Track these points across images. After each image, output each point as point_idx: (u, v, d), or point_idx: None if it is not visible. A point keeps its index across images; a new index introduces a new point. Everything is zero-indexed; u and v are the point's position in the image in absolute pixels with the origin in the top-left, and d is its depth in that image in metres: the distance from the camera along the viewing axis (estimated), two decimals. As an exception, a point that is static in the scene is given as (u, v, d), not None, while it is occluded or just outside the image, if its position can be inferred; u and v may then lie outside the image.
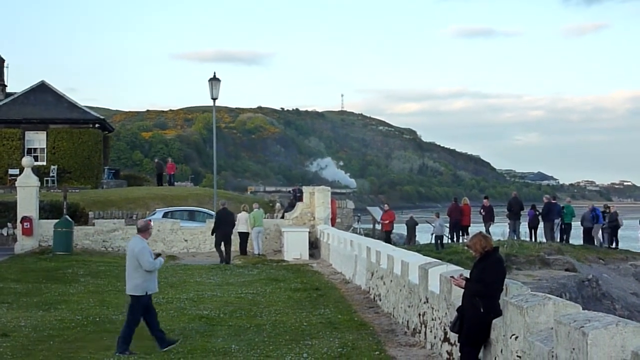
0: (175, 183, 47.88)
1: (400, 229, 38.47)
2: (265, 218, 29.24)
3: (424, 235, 36.35)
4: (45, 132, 42.25)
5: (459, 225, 30.54)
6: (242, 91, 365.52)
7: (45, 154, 42.10)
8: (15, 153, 41.16)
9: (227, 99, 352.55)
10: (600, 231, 31.97)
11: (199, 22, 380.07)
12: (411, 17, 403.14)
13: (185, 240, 28.27)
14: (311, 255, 26.61)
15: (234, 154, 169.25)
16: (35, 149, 42.10)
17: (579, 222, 32.59)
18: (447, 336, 9.80)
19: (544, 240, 30.20)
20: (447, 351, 9.86)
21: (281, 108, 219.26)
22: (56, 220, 25.65)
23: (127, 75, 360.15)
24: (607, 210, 32.86)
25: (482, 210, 30.73)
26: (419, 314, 11.62)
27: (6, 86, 46.99)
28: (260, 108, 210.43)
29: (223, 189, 52.63)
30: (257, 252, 26.54)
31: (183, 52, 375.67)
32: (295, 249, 26.14)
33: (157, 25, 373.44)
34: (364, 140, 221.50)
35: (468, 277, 8.46)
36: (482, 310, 7.99)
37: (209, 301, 15.99)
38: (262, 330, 12.71)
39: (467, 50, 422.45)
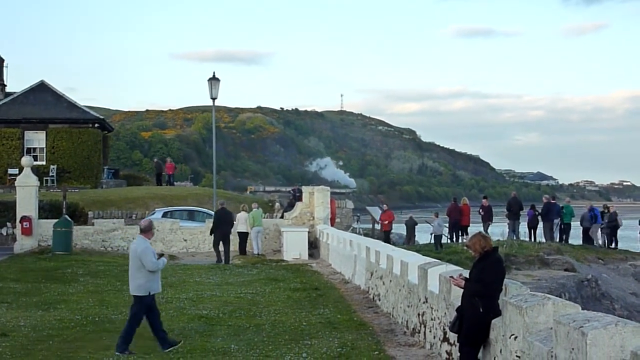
0: (175, 183, 47.88)
1: (399, 229, 38.49)
2: (264, 218, 29.25)
3: (423, 235, 36.36)
4: (44, 132, 42.24)
5: (458, 225, 30.55)
6: (241, 91, 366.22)
7: (44, 154, 42.09)
8: (15, 153, 41.15)
9: (227, 98, 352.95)
10: (599, 231, 32.00)
11: (199, 22, 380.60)
12: (411, 17, 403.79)
13: (185, 240, 28.28)
14: (310, 255, 26.61)
15: (233, 154, 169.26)
16: (34, 149, 42.08)
17: (579, 222, 32.62)
18: (447, 336, 9.81)
19: (544, 240, 30.22)
20: (446, 351, 9.87)
21: (281, 108, 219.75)
22: (55, 220, 25.63)
23: (127, 75, 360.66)
24: (607, 211, 32.88)
25: (480, 210, 30.75)
26: (419, 314, 11.63)
27: (6, 86, 47.02)
28: (259, 108, 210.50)
29: (222, 189, 52.63)
30: (256, 252, 26.54)
31: (183, 52, 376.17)
32: (294, 248, 26.14)
33: (156, 25, 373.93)
34: (363, 140, 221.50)
35: (467, 277, 8.45)
36: (481, 310, 7.99)
37: (208, 301, 15.99)
38: (261, 330, 12.71)
39: (467, 50, 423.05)
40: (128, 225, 27.92)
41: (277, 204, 36.43)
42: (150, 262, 10.75)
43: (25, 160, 27.51)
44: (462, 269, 10.37)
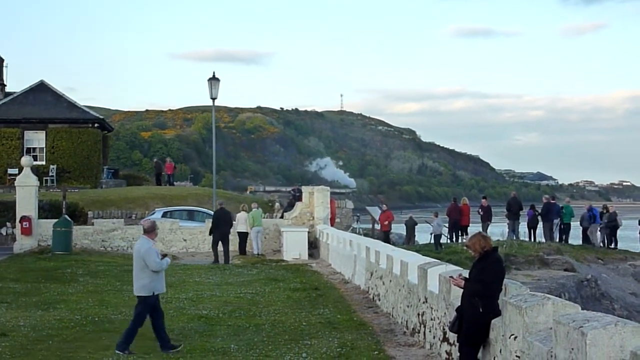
0: (175, 183, 47.86)
1: (399, 229, 38.49)
2: (264, 218, 29.25)
3: (423, 235, 36.35)
4: (44, 132, 42.24)
5: (458, 225, 30.56)
6: (241, 91, 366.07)
7: (44, 154, 42.09)
8: (15, 152, 41.15)
9: (227, 98, 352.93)
10: (597, 231, 31.99)
11: (199, 21, 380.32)
12: (411, 17, 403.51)
13: (185, 240, 28.29)
14: (310, 255, 26.60)
15: (233, 154, 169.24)
16: (34, 149, 42.08)
17: (578, 222, 32.62)
18: (446, 336, 9.81)
19: (543, 240, 30.23)
20: (446, 351, 9.87)
21: (280, 108, 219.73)
22: (55, 220, 25.63)
23: (127, 75, 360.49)
24: (606, 211, 32.87)
25: (480, 210, 30.75)
26: (418, 314, 11.63)
27: (5, 85, 47.00)
28: (259, 108, 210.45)
29: (222, 189, 52.63)
30: (256, 251, 26.55)
31: (182, 52, 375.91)
32: (294, 248, 26.14)
33: (156, 25, 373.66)
34: (363, 140, 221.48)
35: (467, 277, 8.45)
36: (481, 310, 7.99)
37: (208, 301, 16.00)
38: (261, 330, 12.71)
39: (466, 50, 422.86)
40: (128, 225, 27.93)
41: (277, 204, 36.42)
42: (154, 262, 10.76)
43: (25, 160, 27.52)
44: (461, 269, 10.37)
